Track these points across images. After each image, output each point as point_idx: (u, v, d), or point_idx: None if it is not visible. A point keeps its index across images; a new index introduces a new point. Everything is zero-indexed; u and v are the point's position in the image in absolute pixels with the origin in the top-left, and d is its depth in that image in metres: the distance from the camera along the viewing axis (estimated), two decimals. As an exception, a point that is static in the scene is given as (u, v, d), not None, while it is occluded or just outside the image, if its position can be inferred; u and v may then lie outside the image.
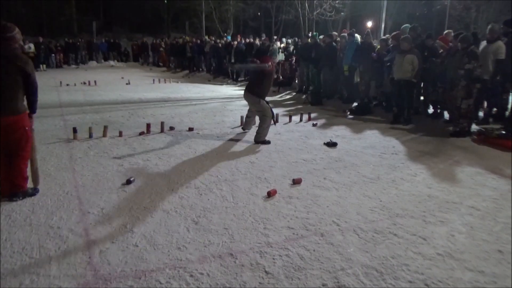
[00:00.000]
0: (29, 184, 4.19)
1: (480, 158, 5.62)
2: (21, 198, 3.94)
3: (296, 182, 4.52)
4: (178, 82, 15.82)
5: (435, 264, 2.90)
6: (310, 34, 13.36)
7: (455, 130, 6.85)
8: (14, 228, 3.37)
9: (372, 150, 5.97)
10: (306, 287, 2.63)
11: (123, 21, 39.39)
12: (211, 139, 6.54)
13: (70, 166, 5.06)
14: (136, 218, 3.60)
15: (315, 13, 19.39)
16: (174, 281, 2.67)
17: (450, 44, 7.78)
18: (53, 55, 22.18)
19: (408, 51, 7.47)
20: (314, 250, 3.07)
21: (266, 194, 4.16)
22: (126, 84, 14.52)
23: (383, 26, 15.40)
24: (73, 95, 11.46)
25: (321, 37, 11.73)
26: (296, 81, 13.12)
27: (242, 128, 7.22)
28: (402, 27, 9.22)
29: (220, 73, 17.28)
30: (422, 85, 8.46)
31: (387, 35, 10.47)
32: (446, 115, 8.03)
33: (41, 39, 21.61)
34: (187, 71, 19.95)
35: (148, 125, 6.97)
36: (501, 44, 6.84)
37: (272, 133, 7.01)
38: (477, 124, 7.33)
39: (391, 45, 8.85)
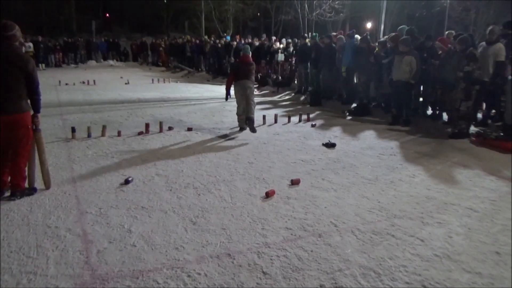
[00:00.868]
0: (40, 186, 4.19)
1: (478, 160, 5.63)
2: (19, 197, 3.93)
3: (294, 182, 4.53)
4: (177, 82, 15.82)
5: (433, 266, 2.90)
6: (308, 35, 13.36)
7: (454, 132, 6.86)
8: (11, 227, 3.36)
9: (371, 151, 5.97)
10: (303, 288, 2.63)
11: (123, 20, 39.37)
12: (209, 139, 6.54)
13: (69, 165, 5.06)
14: (134, 218, 3.59)
15: (314, 13, 19.39)
16: (172, 281, 2.67)
17: (450, 45, 7.80)
18: (52, 54, 22.16)
19: (407, 53, 7.48)
20: (312, 251, 3.07)
21: (264, 194, 4.16)
22: (126, 84, 14.51)
23: (382, 27, 15.41)
24: (72, 95, 11.45)
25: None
26: (295, 81, 13.13)
27: (240, 128, 7.22)
28: (398, 28, 9.24)
29: (219, 73, 17.28)
30: (421, 87, 8.47)
31: (385, 37, 10.47)
32: (445, 116, 8.03)
33: (40, 38, 21.58)
34: (186, 71, 19.95)
35: (147, 125, 6.96)
36: (501, 46, 6.85)
37: (271, 133, 7.02)
38: (475, 125, 7.34)
39: (389, 46, 8.86)
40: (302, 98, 11.32)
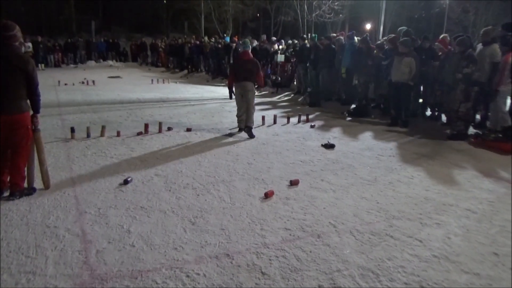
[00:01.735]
0: (40, 186, 4.19)
1: (477, 161, 5.64)
2: (18, 197, 3.93)
3: (293, 183, 4.53)
4: (176, 83, 15.82)
5: (431, 266, 2.91)
6: (307, 36, 13.36)
7: (453, 133, 6.87)
8: (10, 227, 3.36)
9: (370, 152, 5.98)
10: (302, 288, 2.64)
11: (122, 21, 39.37)
12: (209, 140, 6.54)
13: (68, 165, 5.06)
14: (133, 218, 3.60)
15: (314, 14, 19.42)
16: (171, 281, 2.68)
17: (449, 47, 7.83)
18: (52, 54, 22.15)
19: (406, 54, 7.49)
20: (310, 252, 3.08)
21: (263, 195, 4.17)
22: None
23: (381, 28, 15.44)
24: (71, 95, 11.45)
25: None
26: (295, 82, 13.14)
27: (239, 129, 7.19)
28: (398, 29, 9.26)
29: (219, 73, 17.28)
30: (421, 88, 8.49)
31: (383, 38, 10.49)
32: (444, 117, 8.05)
33: (39, 38, 21.57)
34: (185, 72, 19.96)
35: (146, 125, 6.97)
36: (496, 47, 6.86)
37: (270, 134, 7.03)
38: (474, 127, 7.35)
39: (386, 47, 8.88)
40: (301, 99, 11.33)
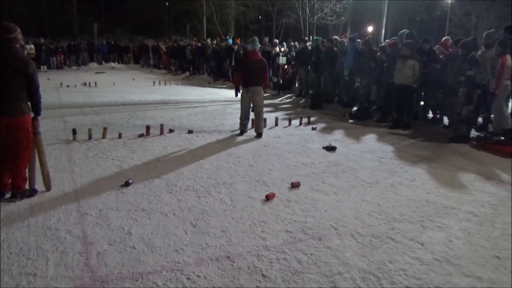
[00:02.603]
0: (41, 188, 4.20)
1: (478, 164, 5.63)
2: (19, 199, 3.94)
3: (294, 185, 4.53)
4: (178, 85, 15.84)
5: (432, 269, 2.90)
6: (308, 38, 13.36)
7: (455, 136, 6.86)
8: (12, 229, 3.36)
9: (371, 155, 5.97)
10: (303, 291, 2.63)
11: (124, 23, 39.49)
12: (210, 142, 6.55)
13: (69, 167, 5.07)
14: (134, 220, 3.60)
15: (316, 17, 19.44)
16: (171, 283, 2.67)
17: (450, 50, 7.82)
18: (54, 56, 22.23)
19: (409, 56, 7.48)
20: (311, 254, 3.07)
21: (264, 197, 4.17)
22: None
23: (383, 31, 15.44)
24: (73, 97, 11.48)
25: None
26: (297, 84, 13.15)
27: (241, 131, 7.18)
28: (400, 32, 9.27)
29: (220, 76, 17.31)
30: (422, 90, 8.48)
31: (386, 40, 10.49)
32: (446, 120, 8.04)
33: (42, 40, 21.64)
34: (187, 74, 20.00)
35: (148, 127, 6.97)
36: (499, 50, 6.85)
37: (271, 136, 7.03)
38: (476, 130, 7.34)
39: (387, 52, 8.89)
40: (303, 101, 11.33)
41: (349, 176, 4.97)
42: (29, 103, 3.96)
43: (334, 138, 6.99)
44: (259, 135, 6.93)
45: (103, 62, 25.47)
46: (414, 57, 7.48)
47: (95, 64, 24.46)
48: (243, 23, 35.30)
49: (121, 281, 2.68)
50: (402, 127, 7.77)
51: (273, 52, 14.14)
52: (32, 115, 4.01)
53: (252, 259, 2.99)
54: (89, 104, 10.24)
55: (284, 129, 7.72)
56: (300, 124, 8.14)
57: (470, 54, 6.70)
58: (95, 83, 14.45)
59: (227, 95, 12.80)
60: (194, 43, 21.10)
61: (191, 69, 20.04)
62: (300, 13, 19.73)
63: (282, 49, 14.46)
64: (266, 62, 7.08)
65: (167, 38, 31.17)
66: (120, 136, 6.63)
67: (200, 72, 19.55)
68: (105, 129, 6.68)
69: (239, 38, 19.68)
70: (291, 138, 6.97)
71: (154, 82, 15.69)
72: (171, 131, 7.15)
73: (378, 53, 9.33)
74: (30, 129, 3.96)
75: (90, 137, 6.47)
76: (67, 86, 13.84)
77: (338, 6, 20.52)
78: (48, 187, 4.22)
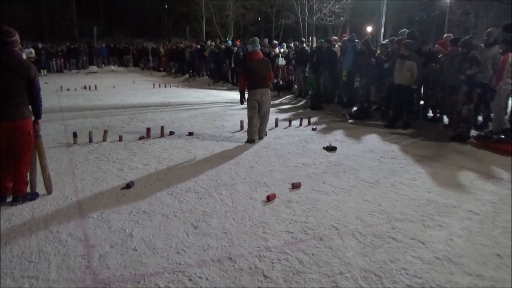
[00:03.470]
0: (42, 191, 4.21)
1: (479, 163, 5.63)
2: (21, 202, 3.95)
3: (295, 186, 4.53)
4: (178, 87, 15.86)
5: (434, 268, 2.90)
6: (308, 39, 13.36)
7: (455, 135, 6.86)
8: (13, 233, 3.37)
9: (372, 155, 5.98)
10: (304, 291, 2.64)
11: (124, 26, 39.55)
12: (211, 144, 6.55)
13: (70, 170, 5.08)
14: (136, 222, 3.61)
15: (314, 18, 19.42)
16: (173, 285, 2.68)
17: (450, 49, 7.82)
18: (54, 59, 22.28)
19: (408, 57, 7.49)
20: (313, 254, 3.08)
21: (265, 198, 4.17)
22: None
23: (382, 30, 15.44)
24: (73, 100, 11.49)
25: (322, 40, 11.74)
26: (295, 86, 13.16)
27: (252, 140, 6.61)
28: (400, 32, 9.27)
29: (220, 78, 17.32)
30: (422, 90, 8.49)
31: (386, 40, 10.50)
32: (446, 119, 8.04)
33: (40, 45, 21.71)
34: (187, 76, 20.03)
35: (148, 130, 6.98)
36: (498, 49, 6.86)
37: (272, 137, 7.03)
38: (476, 129, 7.34)
39: (389, 49, 8.89)
40: (303, 102, 11.33)
41: (350, 176, 4.97)
42: (29, 106, 3.98)
43: (335, 138, 6.99)
44: (260, 138, 6.83)
45: (103, 65, 25.50)
46: (412, 57, 7.48)
47: (95, 67, 24.49)
48: (242, 25, 35.34)
49: (123, 283, 2.69)
50: (402, 127, 7.78)
51: (273, 53, 14.15)
52: (33, 118, 4.02)
53: (253, 260, 2.99)
54: (90, 107, 10.26)
55: (285, 130, 7.73)
56: (300, 124, 8.15)
57: (470, 53, 6.70)
58: (95, 86, 14.47)
59: (227, 97, 12.82)
60: (193, 45, 21.12)
61: (190, 71, 20.06)
62: (299, 14, 19.74)
63: (282, 50, 14.47)
64: (269, 60, 6.83)
65: (166, 41, 31.20)
66: (120, 138, 6.64)
67: (200, 74, 19.58)
68: (105, 132, 6.69)
69: (238, 40, 19.70)
70: (292, 139, 6.98)
71: (154, 85, 15.70)
72: (171, 133, 7.16)
73: (378, 51, 9.33)
74: (31, 132, 3.97)
75: (90, 140, 6.48)
76: (68, 89, 13.87)
77: (337, 6, 20.50)
78: (49, 190, 4.23)
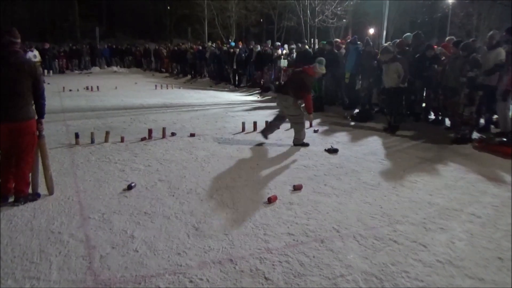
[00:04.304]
0: (44, 192, 4.21)
1: (481, 165, 5.61)
2: (22, 203, 3.95)
3: (296, 188, 4.53)
4: (180, 88, 15.88)
5: (435, 271, 2.90)
6: (308, 41, 13.35)
7: (457, 137, 6.85)
8: (15, 233, 3.38)
9: (373, 157, 5.97)
10: (305, 294, 2.63)
11: (126, 27, 39.62)
12: (212, 145, 6.56)
13: (72, 171, 5.09)
14: (137, 224, 3.61)
15: (317, 20, 19.44)
16: (174, 286, 2.68)
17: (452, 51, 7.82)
18: (56, 60, 22.34)
19: (392, 60, 7.53)
20: (314, 257, 3.07)
21: (266, 200, 4.17)
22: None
23: (384, 33, 15.44)
24: (75, 101, 11.52)
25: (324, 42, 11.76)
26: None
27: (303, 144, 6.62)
28: (404, 36, 9.29)
29: (221, 79, 17.34)
30: (424, 91, 8.50)
31: (388, 42, 10.50)
32: (447, 122, 8.03)
33: (47, 46, 21.71)
34: (189, 77, 20.05)
35: (150, 131, 6.99)
36: (501, 51, 6.85)
37: (273, 139, 7.03)
38: (478, 131, 7.33)
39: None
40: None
41: (351, 178, 4.97)
42: (33, 106, 3.99)
43: (336, 141, 6.99)
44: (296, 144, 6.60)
45: (106, 66, 25.53)
46: (396, 60, 7.52)
47: (97, 68, 24.53)
48: (244, 26, 35.36)
49: (124, 284, 2.69)
50: (390, 131, 7.71)
51: (275, 54, 14.16)
52: (36, 117, 4.03)
53: (254, 262, 2.99)
54: (92, 108, 10.28)
55: (286, 132, 7.72)
56: (302, 126, 8.13)
57: (471, 56, 6.70)
58: (97, 87, 14.49)
59: (228, 98, 12.83)
60: (195, 46, 21.15)
61: (192, 72, 20.09)
62: (301, 16, 19.75)
63: (284, 51, 14.47)
64: (306, 78, 6.54)
65: (168, 42, 31.24)
66: (122, 139, 6.65)
67: (202, 75, 19.60)
68: (107, 133, 6.71)
69: (240, 41, 19.71)
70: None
71: (156, 86, 15.72)
72: (173, 134, 7.17)
73: (379, 54, 9.33)
74: (35, 133, 3.98)
75: (92, 141, 6.49)
76: (70, 90, 13.90)
77: (339, 8, 20.52)
78: (51, 191, 4.24)
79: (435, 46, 8.75)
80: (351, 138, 7.23)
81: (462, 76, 6.72)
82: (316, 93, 11.17)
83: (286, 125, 8.14)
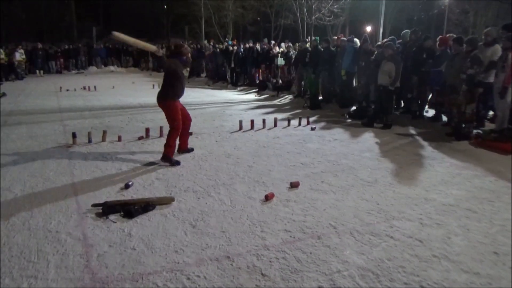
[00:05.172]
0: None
1: (477, 161, 5.63)
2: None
3: (293, 185, 4.54)
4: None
5: (431, 266, 2.91)
6: (308, 39, 13.38)
7: (454, 133, 6.86)
8: (12, 232, 3.39)
9: (370, 154, 5.99)
10: (302, 289, 2.65)
11: (123, 26, 39.51)
12: (209, 144, 6.56)
13: (69, 170, 5.09)
14: (134, 222, 3.62)
15: (313, 17, 19.44)
16: (171, 284, 2.69)
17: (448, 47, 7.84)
18: (53, 61, 22.33)
19: (388, 58, 7.56)
20: (310, 253, 3.09)
21: (263, 197, 4.18)
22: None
23: (381, 30, 15.47)
24: (72, 100, 11.50)
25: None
26: (294, 86, 13.17)
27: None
28: (402, 32, 9.34)
29: (219, 78, 17.34)
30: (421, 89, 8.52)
31: (384, 40, 10.52)
32: (444, 118, 8.05)
33: (39, 45, 21.77)
34: (186, 76, 20.06)
35: (147, 130, 7.00)
36: (497, 48, 6.86)
37: (270, 137, 7.04)
38: (474, 127, 7.34)
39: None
40: (304, 102, 11.34)
41: (348, 175, 4.98)
42: None
43: (333, 138, 7.00)
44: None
45: (103, 66, 25.47)
46: (392, 59, 7.54)
47: (94, 68, 24.47)
48: (241, 25, 35.32)
49: (122, 282, 2.70)
50: (383, 128, 7.76)
51: (272, 52, 14.17)
52: None
53: (251, 259, 3.00)
54: (89, 107, 10.26)
55: (283, 130, 7.74)
56: (299, 124, 8.15)
57: (473, 52, 6.71)
58: (95, 87, 14.47)
59: (226, 97, 12.83)
60: (192, 45, 21.14)
61: (189, 71, 20.07)
62: (298, 14, 19.75)
63: (281, 50, 14.48)
64: None
65: (165, 42, 31.18)
66: (119, 139, 6.66)
67: (199, 74, 19.59)
68: (104, 132, 6.71)
69: (235, 40, 19.72)
70: (290, 138, 6.98)
71: (153, 85, 15.67)
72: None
73: (376, 52, 9.35)
74: None
75: (90, 141, 6.49)
76: (67, 90, 13.88)
77: (335, 6, 20.53)
78: None
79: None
80: (348, 135, 7.25)
81: (462, 73, 6.73)
82: (313, 92, 11.19)
83: (280, 124, 8.16)
